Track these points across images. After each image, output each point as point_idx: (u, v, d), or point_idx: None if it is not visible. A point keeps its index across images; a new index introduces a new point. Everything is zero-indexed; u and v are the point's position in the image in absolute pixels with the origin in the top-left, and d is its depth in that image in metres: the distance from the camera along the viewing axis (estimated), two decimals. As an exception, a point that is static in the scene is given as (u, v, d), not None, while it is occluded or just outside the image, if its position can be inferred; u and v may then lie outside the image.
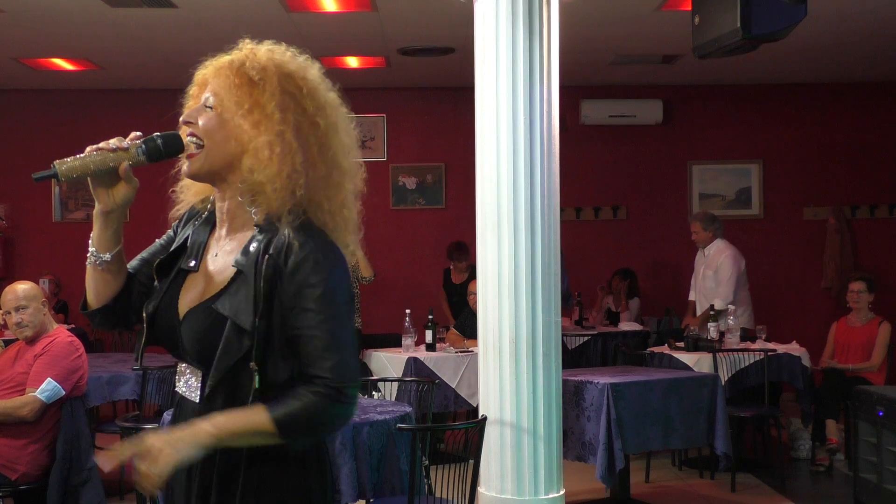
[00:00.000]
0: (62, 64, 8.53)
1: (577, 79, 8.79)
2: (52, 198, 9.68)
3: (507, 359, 4.56)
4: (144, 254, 2.13)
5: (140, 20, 7.08)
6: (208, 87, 1.95)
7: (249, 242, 1.88)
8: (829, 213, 9.64)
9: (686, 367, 6.23)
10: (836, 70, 9.10)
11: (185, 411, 1.94)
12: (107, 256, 1.97)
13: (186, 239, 2.04)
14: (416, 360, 6.16)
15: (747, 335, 6.96)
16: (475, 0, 4.71)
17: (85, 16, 6.94)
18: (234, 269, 1.87)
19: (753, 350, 6.41)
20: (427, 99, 9.71)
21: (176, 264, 2.01)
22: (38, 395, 4.32)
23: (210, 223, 2.03)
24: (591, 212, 9.66)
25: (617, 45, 8.04)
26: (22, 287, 4.55)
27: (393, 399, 5.42)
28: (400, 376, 5.95)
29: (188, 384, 1.95)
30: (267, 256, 1.83)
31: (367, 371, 6.39)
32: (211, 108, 1.92)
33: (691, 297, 7.74)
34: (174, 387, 2.02)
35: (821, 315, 9.01)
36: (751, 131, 9.77)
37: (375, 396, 5.06)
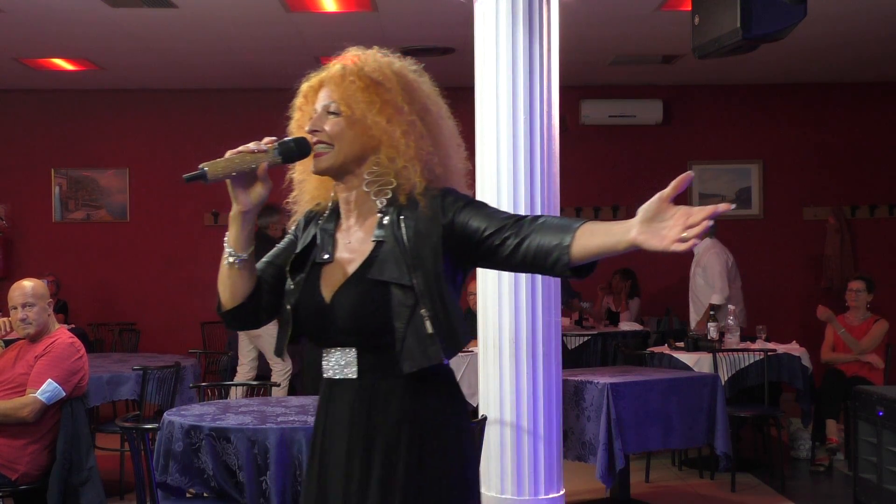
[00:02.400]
0: (62, 64, 8.53)
1: (577, 79, 8.79)
2: (52, 198, 9.68)
3: (507, 359, 4.56)
4: (267, 257, 2.26)
5: (140, 20, 7.08)
6: (325, 95, 2.13)
7: (381, 220, 2.08)
8: (829, 213, 9.64)
9: (686, 367, 6.23)
10: (836, 70, 9.10)
11: (341, 391, 2.09)
12: (244, 255, 2.11)
13: (314, 237, 2.18)
14: (416, 360, 6.16)
15: (742, 333, 6.97)
16: (475, 0, 4.71)
17: (85, 16, 6.94)
18: (372, 244, 2.06)
19: (753, 350, 6.41)
20: (427, 99, 9.70)
21: (308, 260, 2.15)
22: (39, 396, 4.32)
23: (334, 218, 2.19)
24: (591, 212, 9.66)
25: (617, 45, 8.04)
26: (31, 284, 4.55)
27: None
28: (400, 376, 5.95)
29: (339, 365, 2.10)
30: (401, 218, 2.04)
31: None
32: (336, 113, 2.10)
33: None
34: (322, 373, 2.15)
35: (821, 315, 9.01)
36: (751, 131, 9.77)
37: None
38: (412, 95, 2.13)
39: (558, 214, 4.65)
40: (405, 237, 2.04)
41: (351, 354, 2.08)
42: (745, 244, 9.11)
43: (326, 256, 2.13)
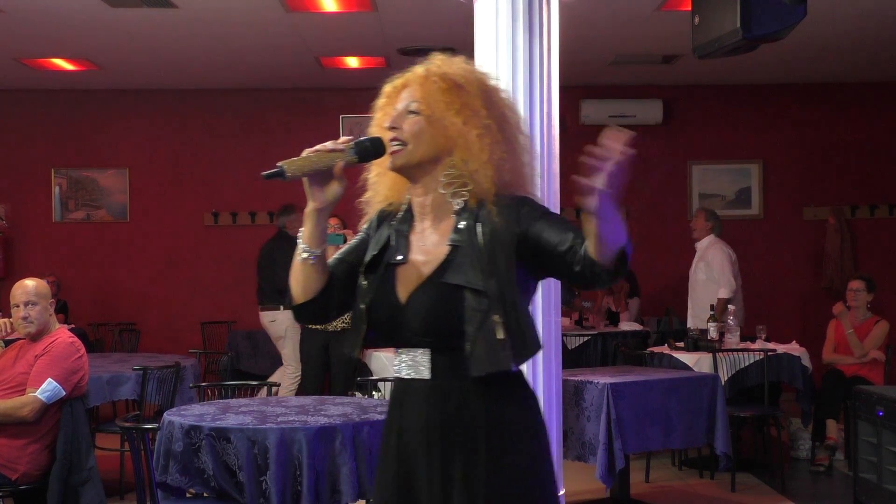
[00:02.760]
0: (62, 64, 8.53)
1: (577, 79, 8.79)
2: (52, 198, 9.68)
3: (507, 359, 4.55)
4: (339, 254, 2.32)
5: (140, 20, 7.08)
6: (407, 95, 2.19)
7: (457, 224, 2.14)
8: (829, 213, 9.64)
9: (686, 367, 6.23)
10: (836, 70, 9.10)
11: (414, 391, 2.15)
12: (319, 252, 2.18)
13: (388, 238, 2.23)
14: (416, 360, 6.15)
15: (742, 333, 6.95)
16: (475, 0, 4.71)
17: (85, 16, 6.94)
18: (447, 248, 2.12)
19: (753, 350, 6.41)
20: (427, 99, 9.70)
21: (381, 261, 2.20)
22: (39, 396, 4.32)
23: (408, 220, 2.24)
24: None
25: (617, 45, 8.04)
26: (34, 283, 4.56)
27: (393, 399, 5.42)
28: (400, 376, 5.94)
29: (412, 365, 2.15)
30: (477, 223, 2.10)
31: (367, 371, 6.39)
32: (416, 112, 2.16)
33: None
34: (396, 374, 2.21)
35: (821, 315, 8.99)
36: (751, 131, 9.77)
37: (375, 396, 5.06)
38: (491, 101, 2.18)
39: (558, 214, 4.65)
40: (481, 243, 2.09)
41: (425, 355, 2.13)
42: (745, 244, 9.11)
43: (400, 258, 2.18)
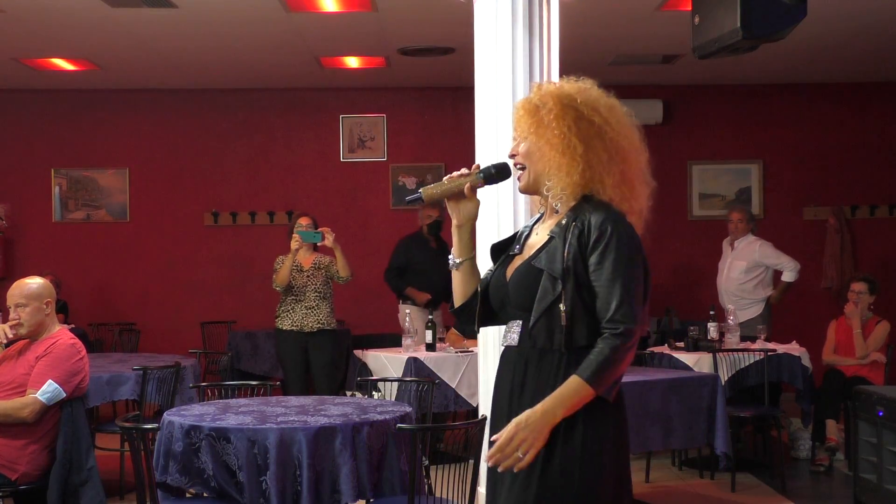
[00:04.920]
0: (62, 64, 8.53)
1: (577, 79, 8.78)
2: (52, 198, 9.68)
3: (507, 359, 4.55)
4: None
5: (140, 20, 7.08)
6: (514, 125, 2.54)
7: (560, 220, 2.43)
8: (829, 213, 9.64)
9: (686, 367, 6.23)
10: (836, 70, 9.10)
11: (509, 358, 2.48)
12: (457, 261, 2.58)
13: (518, 235, 2.62)
14: (416, 360, 6.16)
15: (741, 333, 6.94)
16: (475, 0, 4.71)
17: (85, 16, 6.94)
18: (546, 238, 2.43)
19: (753, 350, 6.41)
20: (427, 99, 9.71)
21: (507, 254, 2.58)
22: (39, 397, 4.32)
23: (537, 221, 2.59)
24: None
25: (617, 45, 8.04)
26: (27, 284, 4.53)
27: (393, 399, 5.42)
28: (400, 376, 5.95)
29: (511, 336, 2.48)
30: (573, 224, 2.37)
31: (367, 371, 6.39)
32: (519, 140, 2.51)
33: (722, 299, 7.71)
34: (502, 343, 2.53)
35: (821, 315, 8.99)
36: (751, 131, 9.77)
37: (375, 396, 5.06)
38: (571, 110, 2.42)
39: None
40: (569, 240, 2.36)
41: (517, 325, 2.45)
42: (745, 244, 9.10)
43: (518, 248, 2.53)
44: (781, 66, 8.76)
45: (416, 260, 7.59)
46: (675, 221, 9.70)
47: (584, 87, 2.49)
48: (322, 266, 6.96)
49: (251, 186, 9.68)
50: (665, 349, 6.68)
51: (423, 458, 4.09)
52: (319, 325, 6.89)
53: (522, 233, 2.59)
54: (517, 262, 2.50)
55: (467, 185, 2.51)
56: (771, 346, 6.64)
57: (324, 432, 3.63)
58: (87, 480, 4.45)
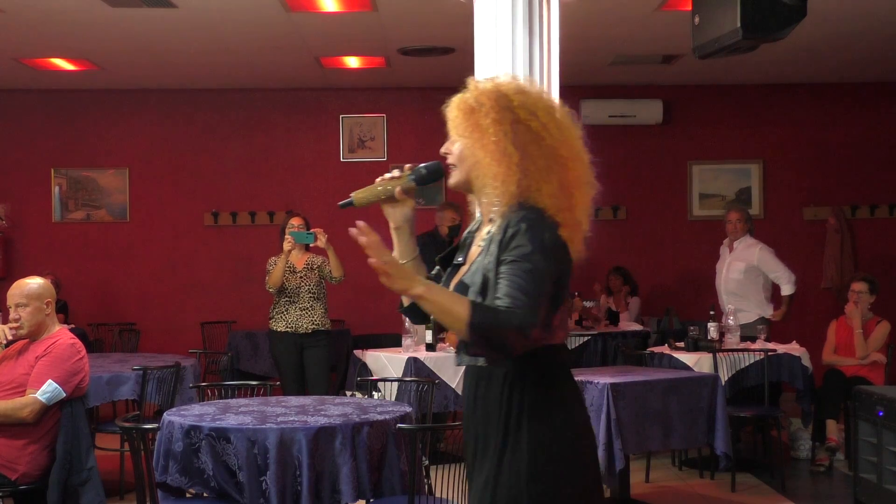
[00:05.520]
0: (62, 64, 8.53)
1: (577, 79, 8.79)
2: (52, 198, 9.68)
3: (507, 359, 4.55)
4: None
5: (140, 20, 7.08)
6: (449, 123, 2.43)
7: (492, 228, 2.33)
8: (829, 213, 9.64)
9: (686, 367, 6.23)
10: (836, 70, 9.10)
11: (466, 372, 2.42)
12: (403, 262, 2.46)
13: (464, 241, 2.52)
14: (416, 360, 6.16)
15: (741, 333, 6.92)
16: (475, 0, 4.71)
17: (85, 16, 6.94)
18: (478, 250, 2.36)
19: (753, 350, 6.41)
20: (427, 99, 9.70)
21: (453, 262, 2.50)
22: (39, 397, 4.32)
23: (477, 226, 2.48)
24: (591, 212, 9.64)
25: (617, 45, 8.04)
26: (28, 284, 4.54)
27: (393, 399, 5.42)
28: (400, 376, 5.95)
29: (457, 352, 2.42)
30: (499, 234, 2.27)
31: (366, 371, 6.39)
32: (452, 139, 2.41)
33: (721, 300, 7.67)
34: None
35: (821, 315, 9.00)
36: (751, 131, 9.77)
37: (375, 396, 5.06)
38: (509, 114, 2.32)
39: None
40: (493, 251, 2.27)
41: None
42: (745, 244, 9.10)
43: (460, 259, 2.46)
44: (781, 66, 8.76)
45: (428, 259, 7.57)
46: (675, 221, 9.70)
47: (523, 88, 2.40)
48: (315, 266, 6.94)
49: (251, 186, 9.67)
50: (665, 349, 6.68)
51: (423, 458, 4.08)
52: (314, 325, 6.87)
53: (466, 240, 2.50)
54: (461, 273, 2.41)
55: (398, 188, 2.44)
56: (771, 346, 6.64)
57: (324, 432, 3.63)
58: (87, 480, 4.45)
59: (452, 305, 2.15)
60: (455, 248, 2.51)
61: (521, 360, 2.25)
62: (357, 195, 2.46)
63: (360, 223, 2.19)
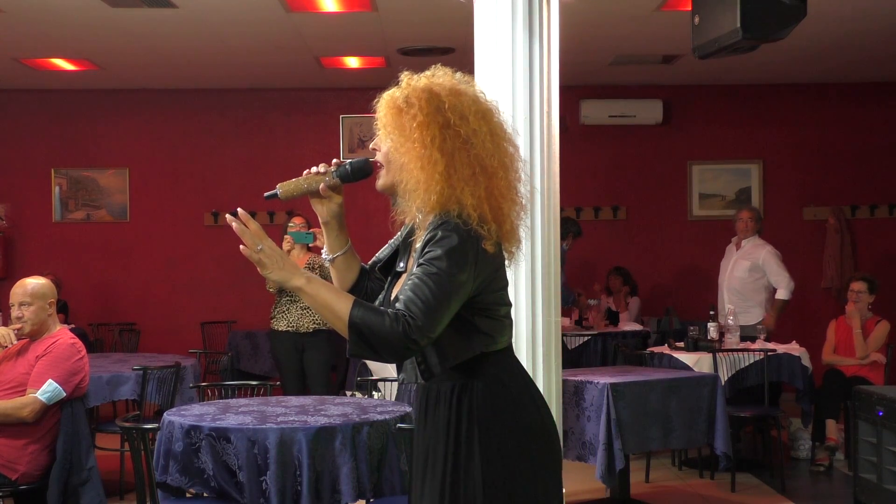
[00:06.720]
0: (62, 64, 8.53)
1: (577, 79, 8.79)
2: (52, 198, 9.68)
3: (507, 359, 4.54)
4: (379, 253, 2.52)
5: (140, 20, 7.08)
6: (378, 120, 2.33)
7: (420, 237, 2.23)
8: (829, 213, 9.64)
9: (686, 367, 6.23)
10: (836, 70, 9.10)
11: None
12: (331, 256, 2.43)
13: (402, 246, 2.44)
14: (416, 360, 6.15)
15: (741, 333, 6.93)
16: (475, 0, 4.71)
17: (85, 16, 6.94)
18: (412, 260, 2.27)
19: (753, 350, 6.41)
20: (427, 99, 9.70)
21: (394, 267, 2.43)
22: (39, 397, 4.32)
23: (415, 231, 2.37)
24: (591, 212, 9.66)
25: (617, 45, 8.04)
26: (31, 283, 4.55)
27: (393, 399, 5.43)
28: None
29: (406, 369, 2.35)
30: (421, 241, 2.19)
31: (366, 371, 6.39)
32: (381, 138, 2.30)
33: (722, 298, 7.65)
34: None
35: (821, 315, 9.01)
36: (751, 131, 9.77)
37: (375, 396, 5.06)
38: (439, 118, 2.21)
39: (558, 214, 4.66)
40: (416, 257, 2.20)
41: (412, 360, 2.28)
42: (745, 244, 9.10)
43: (402, 266, 2.38)
44: (781, 66, 8.76)
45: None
46: (674, 221, 9.70)
47: (458, 89, 2.28)
48: (316, 266, 6.94)
49: (251, 186, 9.66)
50: (665, 349, 6.68)
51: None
52: (315, 325, 6.87)
53: (405, 246, 2.42)
54: (401, 282, 2.31)
55: (322, 185, 2.33)
56: (771, 346, 6.64)
57: (324, 432, 3.63)
58: (87, 480, 4.46)
59: (334, 302, 2.09)
60: (395, 255, 2.44)
61: (466, 371, 2.22)
62: (283, 187, 2.35)
63: (241, 210, 2.12)
